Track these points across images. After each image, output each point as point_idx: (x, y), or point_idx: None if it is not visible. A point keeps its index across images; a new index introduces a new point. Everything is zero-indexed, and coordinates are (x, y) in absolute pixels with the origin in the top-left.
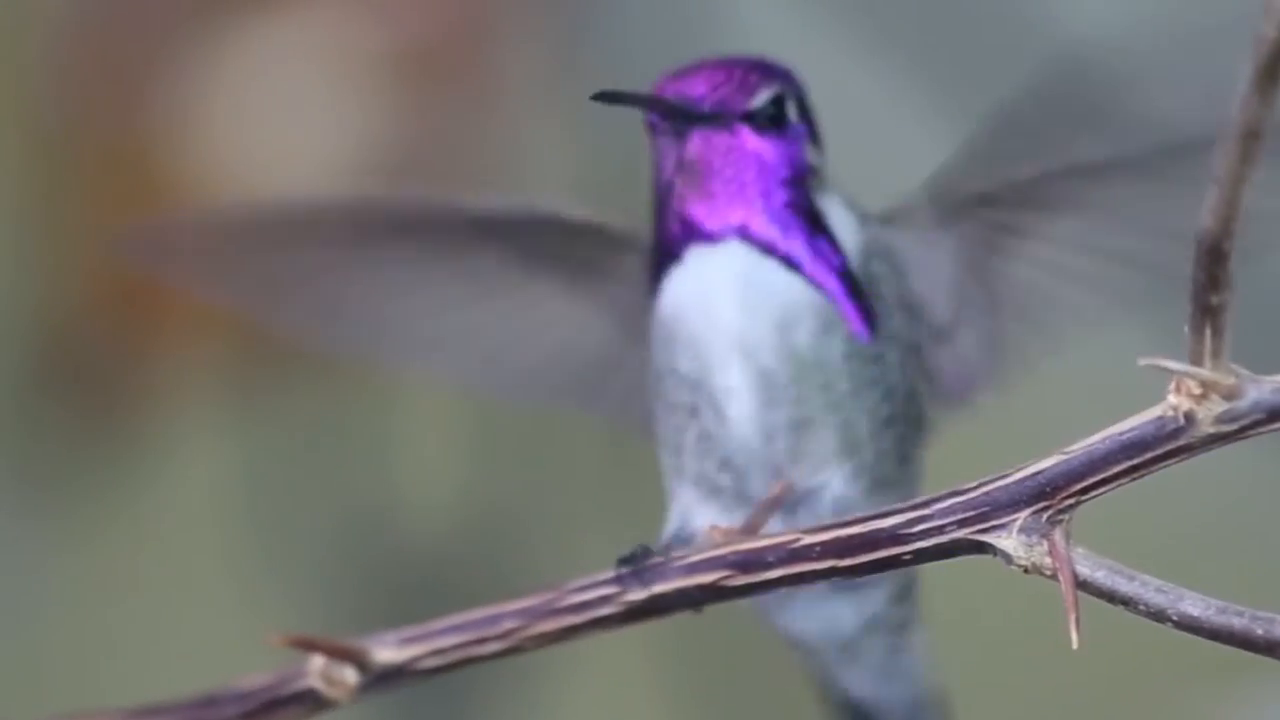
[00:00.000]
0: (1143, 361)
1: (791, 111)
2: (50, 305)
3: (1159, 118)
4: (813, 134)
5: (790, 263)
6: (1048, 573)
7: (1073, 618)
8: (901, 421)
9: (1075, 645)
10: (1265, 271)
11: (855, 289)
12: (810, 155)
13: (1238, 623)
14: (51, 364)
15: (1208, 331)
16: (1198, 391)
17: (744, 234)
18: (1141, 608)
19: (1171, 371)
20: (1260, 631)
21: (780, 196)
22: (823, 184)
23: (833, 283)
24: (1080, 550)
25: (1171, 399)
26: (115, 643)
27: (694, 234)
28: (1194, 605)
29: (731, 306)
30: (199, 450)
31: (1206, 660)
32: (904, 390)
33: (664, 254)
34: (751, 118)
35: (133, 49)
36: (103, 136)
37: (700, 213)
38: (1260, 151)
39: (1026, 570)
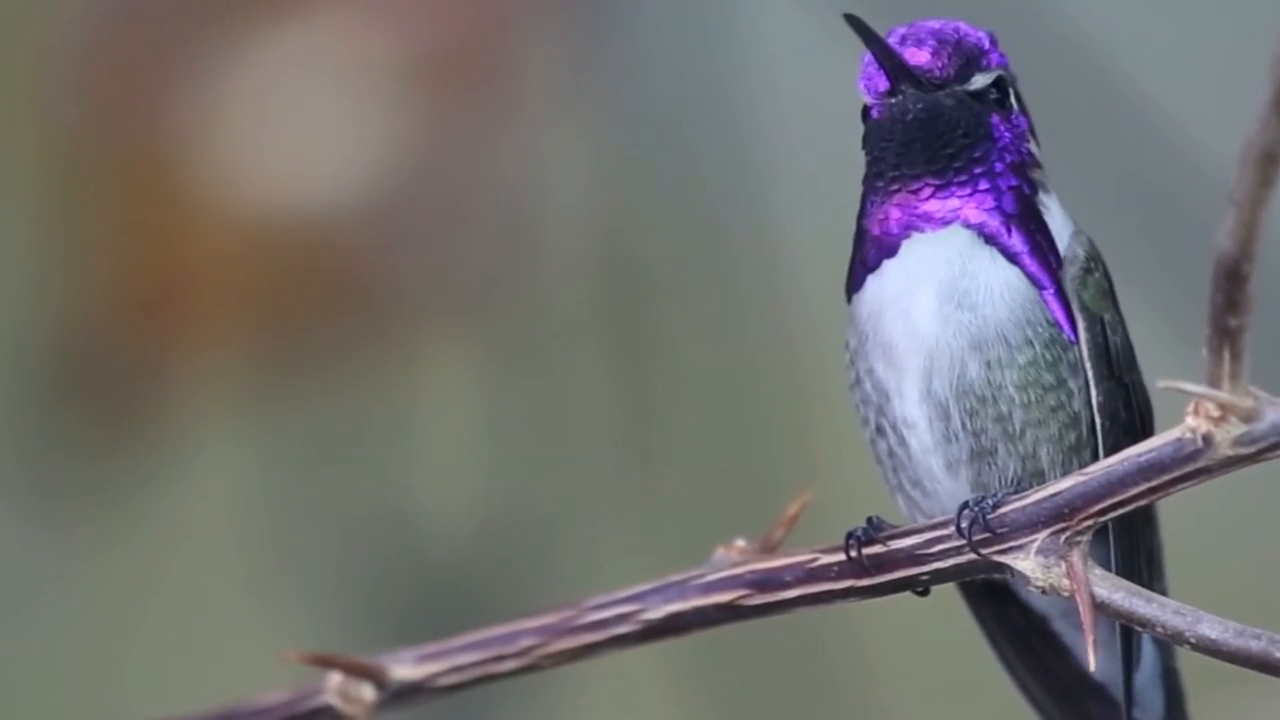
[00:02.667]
0: (1161, 384)
1: (1013, 96)
2: (68, 314)
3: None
4: (1030, 126)
5: (1010, 254)
6: (1065, 594)
7: (1091, 639)
8: (1089, 447)
9: (1093, 667)
10: None
11: (1061, 285)
12: (1031, 147)
13: (1255, 645)
14: (69, 373)
15: (1226, 354)
16: (1216, 414)
17: (965, 220)
18: (1160, 630)
19: (1190, 394)
20: (1279, 654)
21: (1006, 180)
22: (1043, 180)
23: (1048, 280)
24: (1098, 572)
25: (1190, 421)
26: (135, 649)
27: (912, 219)
28: (1212, 628)
29: (929, 317)
30: (217, 458)
31: (1214, 670)
32: (1094, 413)
33: (876, 240)
34: (979, 95)
35: (150, 57)
36: (120, 145)
37: (920, 195)
38: (1279, 174)
39: (1044, 591)
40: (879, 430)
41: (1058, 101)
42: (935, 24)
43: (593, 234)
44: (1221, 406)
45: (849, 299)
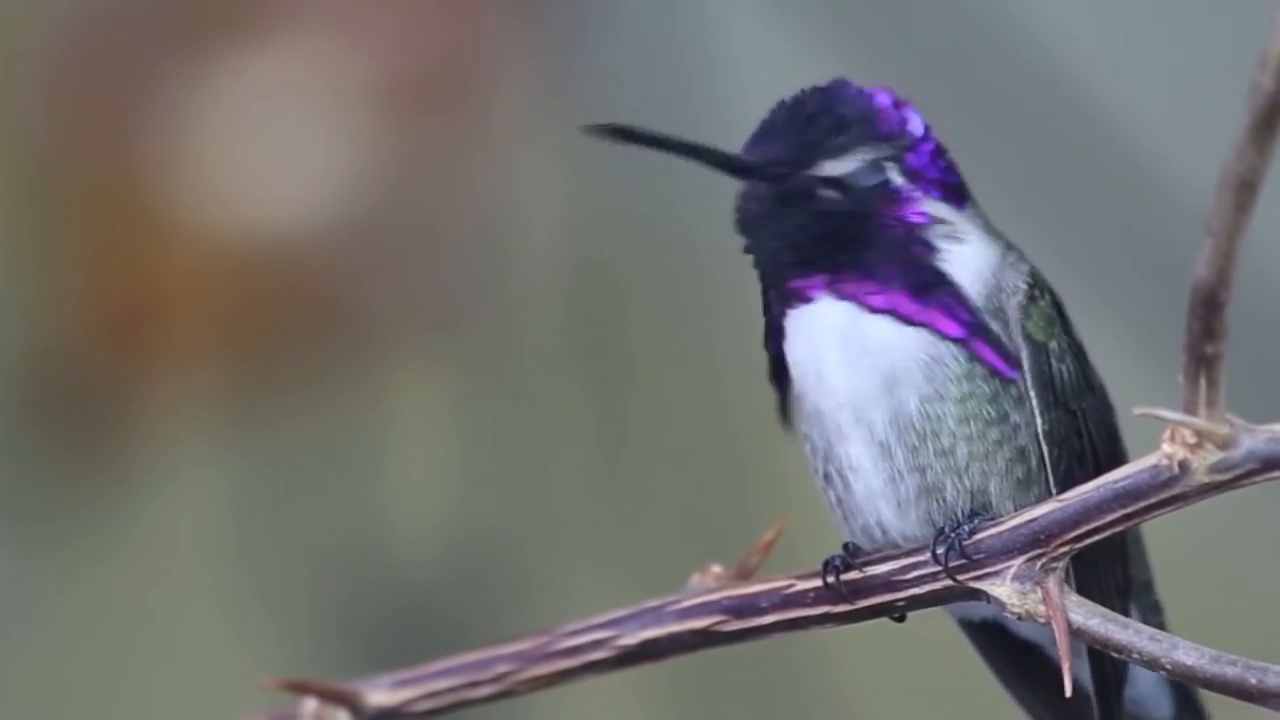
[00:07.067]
0: (1138, 411)
1: (893, 174)
2: (40, 337)
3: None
4: (945, 184)
5: (902, 318)
6: (1041, 620)
7: (1066, 665)
8: (1039, 482)
9: (1069, 693)
10: (1259, 320)
11: (988, 331)
12: (927, 209)
13: (1231, 671)
14: (41, 396)
15: (1202, 381)
16: (1192, 440)
17: (838, 293)
18: (1135, 656)
19: (1166, 420)
20: (1254, 680)
21: (881, 253)
22: (950, 231)
23: (959, 331)
24: (1074, 598)
25: (1166, 448)
26: (107, 675)
27: (790, 295)
28: (1188, 654)
29: (839, 371)
30: (190, 482)
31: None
32: (1042, 446)
33: (778, 311)
34: (834, 180)
35: (123, 79)
36: (93, 167)
37: (789, 271)
38: (1255, 203)
39: (1020, 618)
40: (826, 478)
41: (1036, 131)
42: (798, 101)
43: (565, 257)
44: (1198, 433)
45: (774, 388)
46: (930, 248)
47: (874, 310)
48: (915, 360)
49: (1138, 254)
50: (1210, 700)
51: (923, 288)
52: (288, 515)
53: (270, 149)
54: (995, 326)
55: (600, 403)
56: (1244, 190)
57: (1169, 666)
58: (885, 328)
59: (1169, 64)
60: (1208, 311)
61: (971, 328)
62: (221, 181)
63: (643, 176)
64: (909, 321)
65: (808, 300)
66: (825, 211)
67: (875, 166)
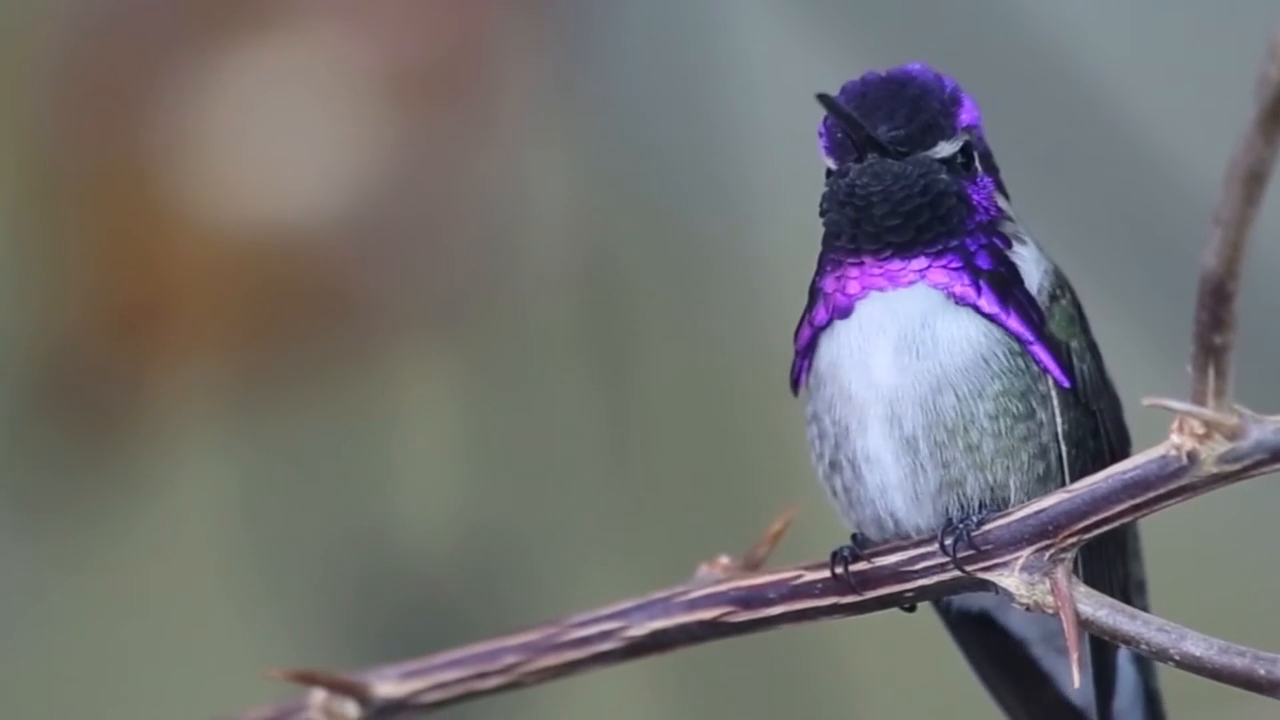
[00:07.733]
0: (1147, 401)
1: (977, 160)
2: (48, 330)
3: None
4: (998, 182)
5: (985, 315)
6: (1050, 611)
7: (1075, 656)
8: (1056, 480)
9: (1077, 684)
10: (1268, 311)
11: (1053, 339)
12: (1000, 202)
13: (1240, 663)
14: (49, 388)
15: (1211, 371)
16: (1201, 431)
17: (932, 281)
18: (1144, 647)
19: (1175, 411)
20: (1262, 671)
21: (976, 241)
22: (1016, 232)
23: (1031, 334)
24: (1082, 589)
25: (1174, 438)
26: (114, 665)
27: (873, 279)
28: (1196, 645)
29: (887, 366)
30: (198, 473)
31: (1196, 690)
32: (1061, 445)
33: (829, 299)
34: (947, 161)
35: (131, 71)
36: (102, 159)
37: (882, 256)
38: (1264, 194)
39: (1029, 608)
40: (834, 465)
41: (1045, 124)
42: (897, 80)
43: (572, 248)
44: (1206, 424)
45: (796, 355)
46: (1005, 241)
47: (959, 301)
48: (975, 360)
49: (1146, 245)
50: (1218, 691)
51: (1004, 283)
52: (295, 507)
53: (277, 141)
54: None
55: (607, 394)
56: (1252, 181)
57: (1177, 657)
58: (963, 322)
59: (1177, 55)
60: (1216, 302)
61: (1039, 333)
62: (228, 174)
63: (649, 168)
64: (987, 316)
65: (886, 286)
66: (941, 193)
67: (966, 152)
